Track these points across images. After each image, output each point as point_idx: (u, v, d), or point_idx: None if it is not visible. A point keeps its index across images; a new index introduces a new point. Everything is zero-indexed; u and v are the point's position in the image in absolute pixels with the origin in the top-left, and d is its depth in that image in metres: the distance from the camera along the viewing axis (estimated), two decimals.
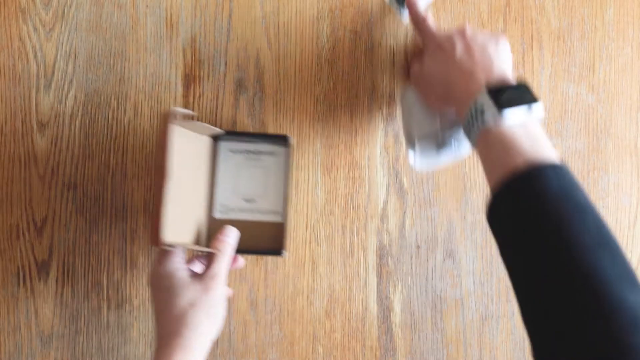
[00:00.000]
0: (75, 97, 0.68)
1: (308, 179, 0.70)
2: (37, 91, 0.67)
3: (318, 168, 0.70)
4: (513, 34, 0.72)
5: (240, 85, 0.69)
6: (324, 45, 0.70)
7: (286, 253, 0.67)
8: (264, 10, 0.70)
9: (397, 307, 0.70)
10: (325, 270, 0.70)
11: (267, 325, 0.69)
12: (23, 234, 0.67)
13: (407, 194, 0.71)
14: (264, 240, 0.65)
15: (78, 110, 0.68)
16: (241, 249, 0.63)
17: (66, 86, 0.68)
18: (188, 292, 0.56)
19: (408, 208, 0.71)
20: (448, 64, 0.57)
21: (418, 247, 0.71)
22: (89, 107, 0.68)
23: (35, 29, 0.68)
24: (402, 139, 0.71)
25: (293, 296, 0.70)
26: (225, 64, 0.69)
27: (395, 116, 0.71)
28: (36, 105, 0.67)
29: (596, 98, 0.73)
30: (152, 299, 0.58)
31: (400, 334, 0.70)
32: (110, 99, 0.68)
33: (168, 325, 0.55)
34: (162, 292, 0.57)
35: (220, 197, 0.65)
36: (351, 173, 0.70)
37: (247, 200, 0.65)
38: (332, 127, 0.70)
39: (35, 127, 0.67)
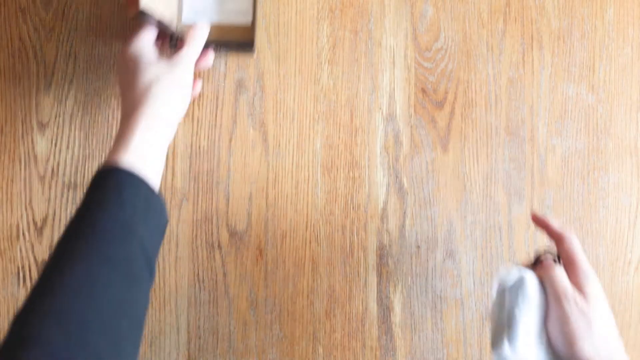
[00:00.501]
0: (76, 97, 0.68)
1: (308, 179, 0.70)
2: (38, 91, 0.67)
3: (318, 168, 0.70)
4: (513, 34, 0.72)
5: (240, 85, 0.69)
6: (324, 45, 0.70)
7: (255, 50, 0.67)
8: (263, 10, 0.70)
9: (397, 307, 0.70)
10: (325, 270, 0.70)
11: (267, 325, 0.69)
12: (23, 234, 0.67)
13: (407, 194, 0.71)
14: (235, 36, 0.65)
15: (78, 110, 0.68)
16: (212, 40, 0.63)
17: (66, 86, 0.68)
18: (153, 68, 0.55)
19: (408, 208, 0.71)
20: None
21: (418, 247, 0.71)
22: (89, 107, 0.68)
23: (35, 29, 0.68)
24: (403, 140, 0.71)
25: (293, 296, 0.70)
26: (225, 64, 0.69)
27: (396, 116, 0.71)
28: (36, 105, 0.67)
29: (596, 98, 0.73)
30: (118, 81, 0.57)
31: (400, 334, 0.70)
32: (111, 99, 0.68)
33: (132, 99, 0.54)
34: (128, 73, 0.56)
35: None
36: (351, 173, 0.70)
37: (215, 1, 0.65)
38: (332, 127, 0.70)
39: (35, 127, 0.67)
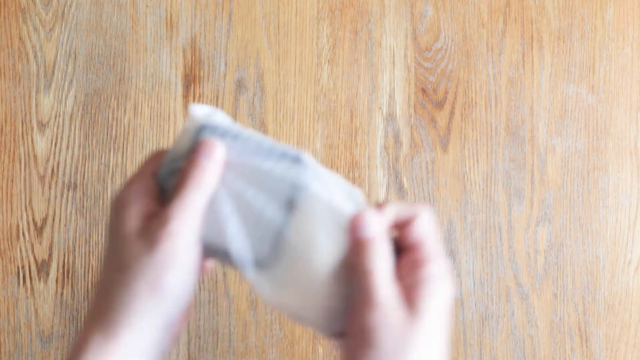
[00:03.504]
0: (75, 97, 0.68)
1: None
2: (37, 91, 0.67)
3: None
4: (513, 34, 0.72)
5: (240, 85, 0.69)
6: (324, 45, 0.70)
7: None
8: (264, 10, 0.70)
9: None
10: None
11: (267, 325, 0.69)
12: (23, 234, 0.67)
13: (407, 194, 0.71)
14: None
15: (78, 110, 0.68)
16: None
17: (66, 86, 0.68)
18: (126, 246, 0.36)
19: None
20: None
21: None
22: (89, 107, 0.68)
23: (35, 29, 0.68)
24: (403, 140, 0.71)
25: None
26: (225, 64, 0.69)
27: (396, 116, 0.71)
28: (36, 105, 0.67)
29: (596, 98, 0.73)
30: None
31: None
32: (110, 99, 0.68)
33: (95, 296, 0.38)
34: (108, 238, 0.38)
35: None
36: (351, 173, 0.70)
37: None
38: (332, 127, 0.70)
39: (35, 127, 0.67)
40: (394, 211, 0.38)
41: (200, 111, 0.40)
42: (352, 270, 0.36)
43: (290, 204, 0.38)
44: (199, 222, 0.37)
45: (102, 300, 0.37)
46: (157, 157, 0.40)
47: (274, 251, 0.37)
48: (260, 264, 0.37)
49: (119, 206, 0.37)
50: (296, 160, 0.39)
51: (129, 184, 0.38)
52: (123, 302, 0.35)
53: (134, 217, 0.36)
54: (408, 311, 0.35)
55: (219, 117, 0.41)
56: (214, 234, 0.37)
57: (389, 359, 0.34)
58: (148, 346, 0.36)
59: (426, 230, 0.37)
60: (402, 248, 0.38)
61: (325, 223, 0.37)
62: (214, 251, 0.38)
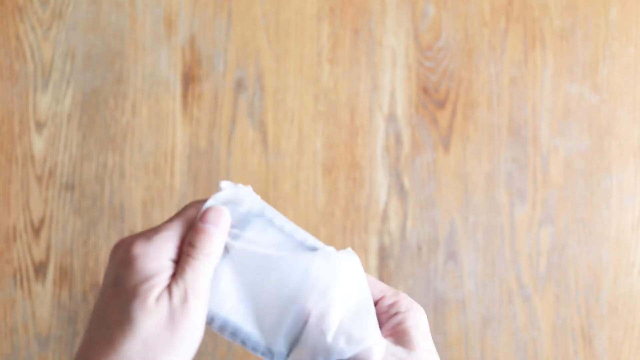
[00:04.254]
0: (73, 97, 0.67)
1: (308, 180, 0.69)
2: (35, 91, 0.67)
3: (318, 168, 0.70)
4: (516, 33, 0.71)
5: (239, 85, 0.69)
6: (324, 45, 0.70)
7: None
8: (263, 9, 0.69)
9: None
10: None
11: None
12: (20, 235, 0.66)
13: (409, 194, 0.70)
14: None
15: (76, 110, 0.67)
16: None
17: (64, 86, 0.67)
18: (147, 321, 0.34)
19: (409, 209, 0.70)
20: None
21: (419, 248, 0.70)
22: (87, 107, 0.67)
23: (32, 28, 0.67)
24: (404, 140, 0.70)
25: None
26: (225, 63, 0.69)
27: (397, 116, 0.70)
28: (34, 105, 0.67)
29: (599, 98, 0.72)
30: (101, 292, 0.37)
31: None
32: (108, 98, 0.68)
33: (96, 340, 0.35)
34: (117, 298, 0.35)
35: None
36: (352, 173, 0.70)
37: None
38: (332, 127, 0.70)
39: (32, 127, 0.67)
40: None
41: (231, 190, 0.40)
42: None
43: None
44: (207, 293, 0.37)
45: (109, 354, 0.34)
46: (191, 213, 0.38)
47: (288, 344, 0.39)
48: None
49: (142, 267, 0.35)
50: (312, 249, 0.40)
51: (155, 241, 0.36)
52: None
53: (157, 285, 0.35)
54: (404, 345, 0.40)
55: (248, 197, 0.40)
56: (227, 309, 0.38)
57: None
58: None
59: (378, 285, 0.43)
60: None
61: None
62: (223, 327, 0.38)
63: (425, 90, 0.71)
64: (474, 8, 0.71)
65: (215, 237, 0.37)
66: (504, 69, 0.71)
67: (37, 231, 0.66)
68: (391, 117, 0.70)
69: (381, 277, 0.70)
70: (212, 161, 0.69)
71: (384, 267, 0.70)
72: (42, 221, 0.66)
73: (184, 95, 0.68)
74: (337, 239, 0.69)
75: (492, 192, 0.70)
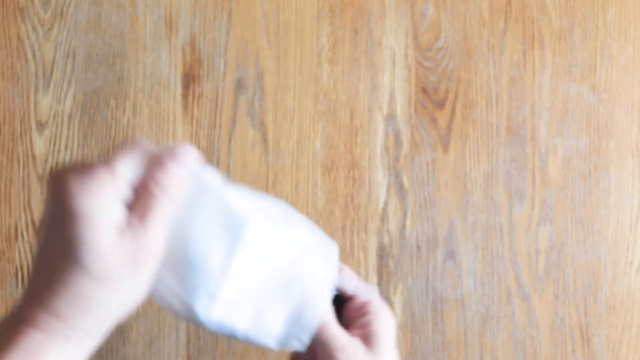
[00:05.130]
0: (74, 97, 0.68)
1: (308, 179, 0.70)
2: (36, 91, 0.67)
3: (318, 168, 0.70)
4: (514, 33, 0.72)
5: (239, 85, 0.69)
6: (324, 45, 0.70)
7: None
8: (263, 9, 0.69)
9: (397, 307, 0.70)
10: None
11: None
12: (22, 234, 0.67)
13: (408, 194, 0.70)
14: None
15: (77, 110, 0.68)
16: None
17: (65, 86, 0.67)
18: (103, 259, 0.33)
19: (409, 208, 0.70)
20: None
21: (419, 247, 0.70)
22: (88, 107, 0.68)
23: (33, 28, 0.67)
24: (403, 140, 0.71)
25: None
26: (225, 63, 0.69)
27: (396, 116, 0.71)
28: (35, 105, 0.67)
29: (598, 98, 0.73)
30: (41, 238, 0.36)
31: (401, 335, 0.70)
32: (109, 98, 0.68)
33: (55, 296, 0.33)
34: (63, 237, 0.33)
35: None
36: (351, 173, 0.70)
37: None
38: (332, 127, 0.70)
39: (34, 127, 0.67)
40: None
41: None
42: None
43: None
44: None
45: (66, 304, 0.33)
46: (130, 151, 0.36)
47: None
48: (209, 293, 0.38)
49: (85, 210, 0.33)
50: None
51: (96, 182, 0.33)
52: (96, 314, 0.34)
53: (108, 230, 0.33)
54: (368, 345, 0.42)
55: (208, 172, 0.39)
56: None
57: None
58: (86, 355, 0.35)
59: (354, 282, 0.45)
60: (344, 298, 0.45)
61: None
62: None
63: (424, 91, 0.71)
64: (473, 8, 0.71)
65: (177, 178, 0.35)
66: (502, 69, 0.71)
67: (38, 231, 0.67)
68: (390, 117, 0.70)
69: (380, 276, 0.70)
70: (212, 160, 0.69)
71: (383, 267, 0.70)
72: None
73: (185, 95, 0.69)
74: (337, 238, 0.70)
75: (491, 192, 0.71)
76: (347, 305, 0.45)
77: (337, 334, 0.42)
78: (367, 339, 0.43)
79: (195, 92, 0.69)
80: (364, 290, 0.45)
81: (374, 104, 0.70)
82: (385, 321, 0.43)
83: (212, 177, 0.38)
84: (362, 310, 0.44)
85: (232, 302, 0.39)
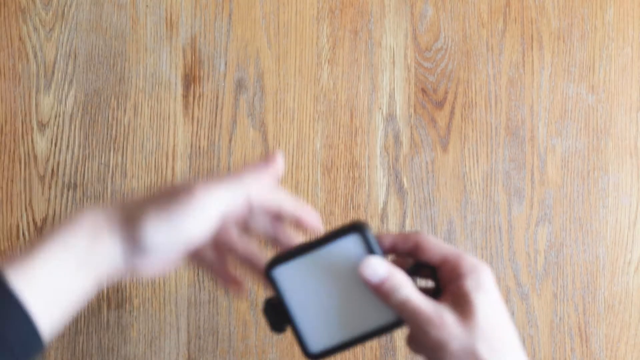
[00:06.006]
0: (75, 97, 0.68)
1: (308, 179, 0.70)
2: (37, 91, 0.67)
3: (318, 168, 0.70)
4: (513, 33, 0.72)
5: (240, 85, 0.69)
6: (324, 45, 0.70)
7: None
8: (263, 10, 0.70)
9: None
10: None
11: (267, 325, 0.69)
12: (23, 234, 0.67)
13: (407, 194, 0.71)
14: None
15: (78, 110, 0.68)
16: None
17: (66, 86, 0.68)
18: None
19: (408, 208, 0.71)
20: None
21: None
22: (89, 107, 0.68)
23: (35, 29, 0.68)
24: (403, 140, 0.71)
25: None
26: (225, 64, 0.69)
27: (396, 116, 0.71)
28: (36, 105, 0.67)
29: (596, 98, 0.73)
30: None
31: (400, 334, 0.70)
32: (110, 99, 0.68)
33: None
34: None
35: None
36: (351, 173, 0.70)
37: None
38: (332, 127, 0.70)
39: (35, 127, 0.67)
40: (391, 239, 0.43)
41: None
42: (396, 310, 0.41)
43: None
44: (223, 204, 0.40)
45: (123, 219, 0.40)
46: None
47: None
48: None
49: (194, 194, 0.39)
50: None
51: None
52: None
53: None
54: (459, 311, 0.38)
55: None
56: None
57: (464, 351, 0.38)
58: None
59: (436, 242, 0.42)
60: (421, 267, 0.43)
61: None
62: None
63: (424, 91, 0.71)
64: (472, 9, 0.72)
65: (259, 175, 0.42)
66: (501, 70, 0.72)
67: (39, 230, 0.67)
68: (390, 117, 0.71)
69: None
70: (213, 160, 0.69)
71: None
72: (44, 220, 0.67)
73: (185, 96, 0.69)
74: None
75: (490, 192, 0.71)
76: (439, 273, 0.42)
77: (420, 307, 0.39)
78: (457, 304, 0.39)
79: (196, 93, 0.69)
80: (452, 254, 0.41)
81: (374, 104, 0.71)
82: (477, 282, 0.39)
83: None
84: (453, 274, 0.40)
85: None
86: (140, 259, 0.40)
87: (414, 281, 0.42)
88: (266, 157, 0.42)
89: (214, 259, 0.46)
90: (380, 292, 0.40)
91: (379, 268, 0.40)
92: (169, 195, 0.40)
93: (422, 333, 0.39)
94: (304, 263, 0.41)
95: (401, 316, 0.40)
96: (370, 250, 0.41)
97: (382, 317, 0.41)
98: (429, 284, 0.43)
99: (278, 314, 0.43)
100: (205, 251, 0.46)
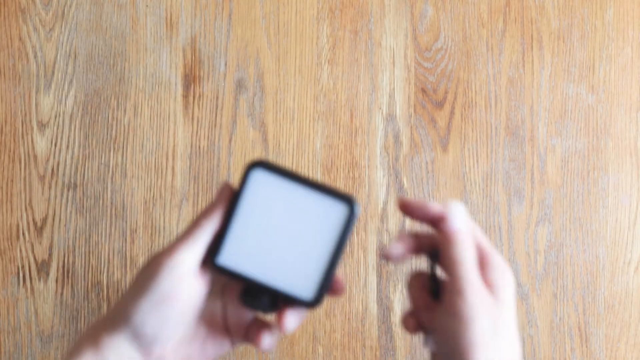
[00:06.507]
0: (75, 97, 0.68)
1: None
2: (37, 91, 0.67)
3: (318, 168, 0.70)
4: (513, 34, 0.72)
5: (240, 85, 0.69)
6: (324, 45, 0.70)
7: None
8: (264, 10, 0.70)
9: (397, 307, 0.70)
10: None
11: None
12: (23, 234, 0.67)
13: (407, 194, 0.71)
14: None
15: (78, 110, 0.68)
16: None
17: (66, 86, 0.68)
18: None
19: None
20: None
21: None
22: (89, 107, 0.68)
23: (35, 29, 0.68)
24: (403, 140, 0.71)
25: None
26: (225, 64, 0.69)
27: (395, 116, 0.71)
28: (36, 105, 0.67)
29: (596, 98, 0.73)
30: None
31: (400, 334, 0.70)
32: (110, 99, 0.68)
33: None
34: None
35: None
36: (351, 173, 0.70)
37: None
38: (332, 127, 0.70)
39: (35, 127, 0.67)
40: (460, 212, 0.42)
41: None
42: (444, 260, 0.40)
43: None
44: (201, 253, 0.40)
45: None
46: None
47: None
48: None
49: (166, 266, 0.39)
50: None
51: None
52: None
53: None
54: (493, 296, 0.40)
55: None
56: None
57: (486, 334, 0.38)
58: None
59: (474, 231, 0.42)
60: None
61: None
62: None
63: (423, 91, 0.71)
64: (472, 9, 0.72)
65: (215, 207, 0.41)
66: (501, 70, 0.72)
67: (39, 230, 0.67)
68: (390, 117, 0.71)
69: (380, 276, 0.70)
70: (213, 161, 0.69)
71: (383, 266, 0.70)
72: (44, 220, 0.67)
73: (185, 96, 0.69)
74: None
75: (490, 192, 0.71)
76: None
77: (472, 273, 0.39)
78: (491, 291, 0.40)
79: (196, 93, 0.69)
80: (485, 248, 0.41)
81: (374, 104, 0.71)
82: (503, 274, 0.41)
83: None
84: (481, 262, 0.41)
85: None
86: (159, 349, 0.40)
87: (434, 265, 0.42)
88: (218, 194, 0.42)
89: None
90: (446, 240, 0.40)
91: (461, 219, 0.40)
92: (140, 277, 0.40)
93: (454, 300, 0.39)
94: (284, 187, 0.40)
95: (452, 276, 0.40)
96: (346, 228, 0.40)
97: (300, 287, 0.41)
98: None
99: (255, 295, 0.42)
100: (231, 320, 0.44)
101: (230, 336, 0.44)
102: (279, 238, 0.40)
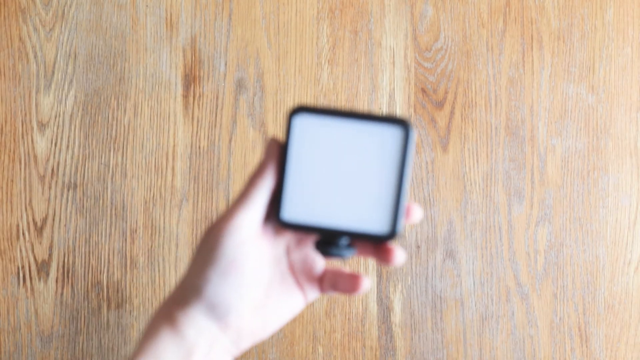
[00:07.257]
0: (75, 97, 0.68)
1: None
2: (37, 91, 0.67)
3: None
4: (513, 34, 0.72)
5: (240, 85, 0.69)
6: (324, 45, 0.70)
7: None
8: (264, 10, 0.70)
9: (397, 307, 0.70)
10: None
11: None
12: (23, 234, 0.67)
13: (407, 194, 0.71)
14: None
15: (78, 110, 0.68)
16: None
17: (66, 86, 0.68)
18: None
19: None
20: None
21: (418, 247, 0.71)
22: (89, 107, 0.68)
23: (35, 29, 0.68)
24: None
25: None
26: (225, 64, 0.69)
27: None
28: (36, 105, 0.67)
29: (596, 98, 0.73)
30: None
31: (400, 334, 0.70)
32: (110, 99, 0.68)
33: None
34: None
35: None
36: None
37: None
38: None
39: (35, 127, 0.67)
40: None
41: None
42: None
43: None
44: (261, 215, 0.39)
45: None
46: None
47: None
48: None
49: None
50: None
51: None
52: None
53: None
54: None
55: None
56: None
57: None
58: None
59: None
60: None
61: None
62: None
63: (423, 91, 0.71)
64: (472, 9, 0.72)
65: (266, 168, 0.40)
66: (501, 70, 0.72)
67: (39, 230, 0.67)
68: None
69: (380, 275, 0.70)
70: (212, 161, 0.69)
71: (383, 266, 0.70)
72: (44, 220, 0.67)
73: (185, 96, 0.69)
74: None
75: (490, 192, 0.71)
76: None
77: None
78: None
79: (196, 93, 0.69)
80: None
81: (374, 104, 0.71)
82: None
83: None
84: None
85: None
86: (235, 320, 0.39)
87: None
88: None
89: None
90: None
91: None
92: (203, 248, 0.39)
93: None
94: (331, 126, 0.38)
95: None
96: (406, 151, 0.38)
97: (375, 223, 0.39)
98: None
99: (331, 243, 0.39)
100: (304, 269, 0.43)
101: (302, 291, 0.43)
102: (339, 179, 0.38)
